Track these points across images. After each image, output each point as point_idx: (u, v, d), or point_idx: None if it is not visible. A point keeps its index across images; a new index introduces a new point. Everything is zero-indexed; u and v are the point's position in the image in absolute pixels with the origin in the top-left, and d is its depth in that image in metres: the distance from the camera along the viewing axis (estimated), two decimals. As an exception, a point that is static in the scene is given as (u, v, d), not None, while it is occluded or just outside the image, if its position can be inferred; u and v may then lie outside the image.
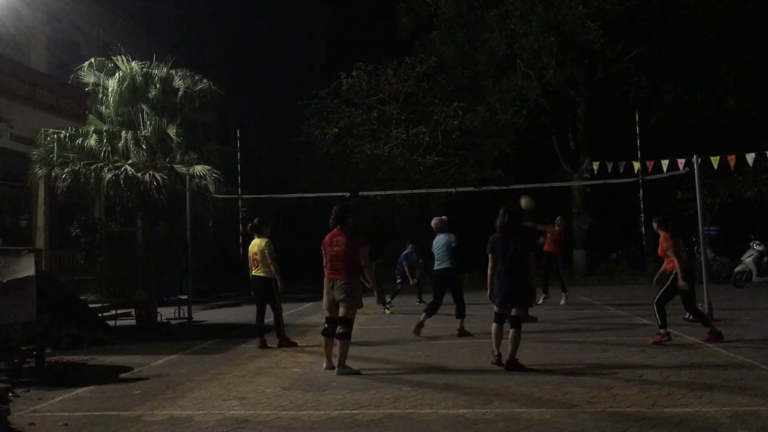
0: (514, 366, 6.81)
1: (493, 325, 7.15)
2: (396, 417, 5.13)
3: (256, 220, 9.22)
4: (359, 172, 24.24)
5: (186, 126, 16.76)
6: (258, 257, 8.97)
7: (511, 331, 6.89)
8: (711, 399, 5.41)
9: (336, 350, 6.90)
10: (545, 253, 13.14)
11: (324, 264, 7.11)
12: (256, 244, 9.05)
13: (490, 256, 7.14)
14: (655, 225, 8.77)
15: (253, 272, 9.11)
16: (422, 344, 8.83)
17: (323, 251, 7.12)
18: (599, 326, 10.05)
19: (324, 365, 7.22)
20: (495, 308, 7.16)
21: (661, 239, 8.52)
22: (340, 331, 6.85)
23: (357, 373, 6.84)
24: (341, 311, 6.91)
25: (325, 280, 7.05)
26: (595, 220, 24.86)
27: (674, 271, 8.30)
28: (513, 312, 6.98)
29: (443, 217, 10.42)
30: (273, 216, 14.66)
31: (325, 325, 7.17)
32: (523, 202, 11.87)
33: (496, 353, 7.05)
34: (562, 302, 12.83)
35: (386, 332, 10.20)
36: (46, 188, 16.34)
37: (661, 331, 8.31)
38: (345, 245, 6.95)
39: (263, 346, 8.91)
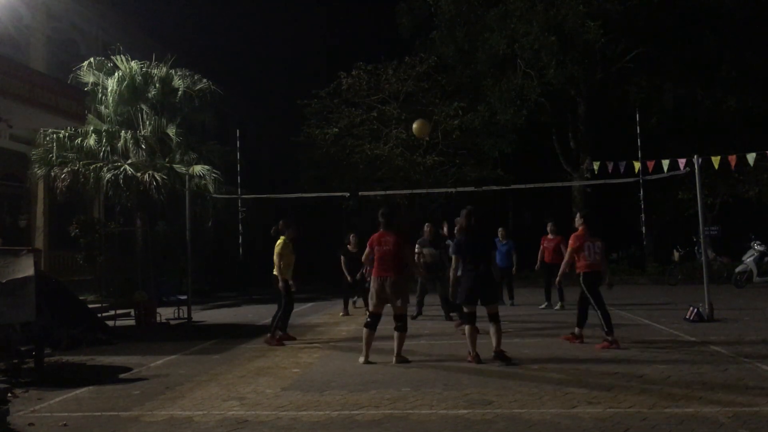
0: (501, 356, 7.12)
1: (467, 327, 7.33)
2: (396, 417, 5.12)
3: (280, 223, 9.66)
4: (359, 172, 24.20)
5: (185, 126, 16.72)
6: (275, 258, 9.45)
7: (492, 326, 7.23)
8: (711, 399, 5.40)
9: (394, 342, 7.49)
10: (546, 264, 13.21)
11: (366, 260, 7.78)
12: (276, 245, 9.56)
13: (454, 257, 7.46)
14: (579, 221, 8.64)
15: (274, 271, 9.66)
16: (422, 344, 8.82)
17: (369, 248, 7.60)
18: (599, 326, 10.03)
19: (361, 359, 7.48)
20: (465, 308, 7.41)
21: (574, 235, 8.46)
22: (398, 324, 7.46)
23: (409, 361, 7.39)
24: (396, 309, 7.49)
25: (375, 279, 7.52)
26: (595, 220, 24.80)
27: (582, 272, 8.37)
28: (488, 310, 7.28)
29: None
30: (273, 215, 14.69)
31: (368, 319, 7.58)
32: (416, 126, 11.48)
33: (474, 353, 7.25)
34: (556, 307, 12.84)
35: (386, 332, 10.18)
36: (46, 188, 16.32)
37: (609, 338, 8.28)
38: (393, 245, 7.46)
39: (287, 338, 9.53)
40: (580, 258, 8.36)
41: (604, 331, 8.18)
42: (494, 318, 7.24)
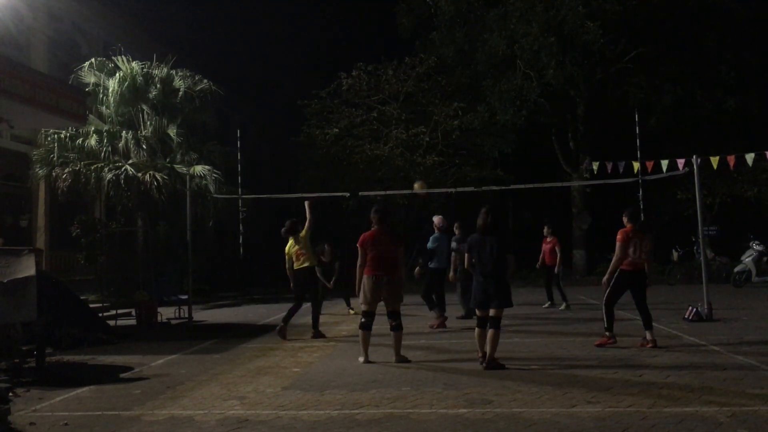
0: (493, 365, 6.86)
1: (476, 330, 7.17)
2: (396, 417, 5.14)
3: (288, 224, 9.81)
4: (359, 172, 24.20)
5: (186, 126, 16.75)
6: (301, 251, 9.63)
7: (490, 331, 6.92)
8: (711, 399, 5.42)
9: (393, 341, 7.47)
10: (546, 265, 13.29)
11: (361, 262, 7.43)
12: (292, 244, 9.71)
13: (467, 255, 7.33)
14: (626, 219, 8.16)
15: (296, 266, 9.72)
16: (422, 344, 8.84)
17: (361, 250, 7.42)
18: (599, 326, 10.05)
19: (361, 359, 7.46)
20: (476, 312, 7.19)
21: (621, 230, 8.04)
22: (394, 323, 7.42)
23: (409, 361, 7.38)
24: (392, 306, 7.44)
25: (369, 278, 7.36)
26: (595, 220, 24.86)
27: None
28: (492, 313, 6.98)
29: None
30: (273, 215, 14.72)
31: (362, 320, 7.47)
32: (417, 186, 12.58)
33: (481, 354, 7.09)
34: (561, 308, 12.88)
35: (384, 330, 10.20)
36: (47, 188, 16.34)
37: (607, 333, 8.25)
38: (389, 243, 7.40)
39: (282, 333, 9.58)
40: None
41: (604, 327, 8.18)
42: (495, 323, 6.93)
